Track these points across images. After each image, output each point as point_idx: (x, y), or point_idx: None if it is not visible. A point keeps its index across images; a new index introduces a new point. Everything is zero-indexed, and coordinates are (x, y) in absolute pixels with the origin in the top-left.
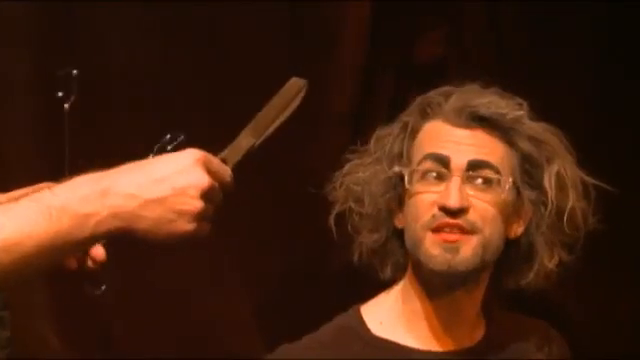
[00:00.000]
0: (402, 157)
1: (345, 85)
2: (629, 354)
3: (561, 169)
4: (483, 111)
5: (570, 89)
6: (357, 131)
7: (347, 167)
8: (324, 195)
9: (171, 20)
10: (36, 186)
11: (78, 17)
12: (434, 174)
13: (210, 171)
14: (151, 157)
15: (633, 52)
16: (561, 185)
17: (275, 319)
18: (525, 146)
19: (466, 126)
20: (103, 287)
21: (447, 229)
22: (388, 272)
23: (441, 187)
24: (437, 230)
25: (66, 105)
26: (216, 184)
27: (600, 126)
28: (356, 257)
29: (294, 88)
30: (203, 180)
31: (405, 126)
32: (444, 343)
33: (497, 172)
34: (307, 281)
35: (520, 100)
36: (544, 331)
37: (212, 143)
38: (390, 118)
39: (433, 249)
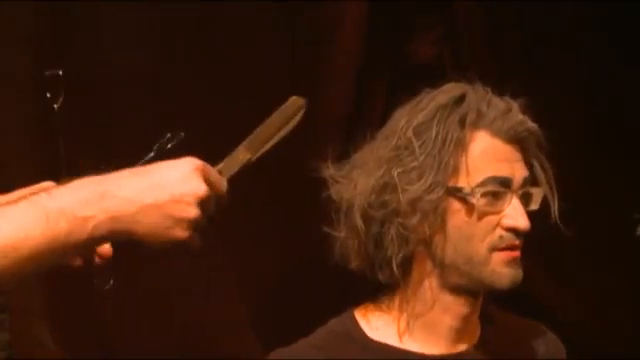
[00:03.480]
0: (455, 170)
1: (341, 85)
2: (625, 356)
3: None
4: (530, 128)
5: (565, 88)
6: (353, 131)
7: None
8: (319, 195)
9: (168, 21)
10: (36, 186)
11: (74, 17)
12: (492, 193)
13: (207, 181)
14: (151, 155)
15: (629, 51)
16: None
17: (271, 320)
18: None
19: (513, 141)
20: (111, 282)
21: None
22: (384, 276)
23: (498, 206)
24: (503, 249)
25: (55, 105)
26: (212, 194)
27: (595, 125)
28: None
29: (293, 107)
30: (200, 189)
31: (446, 137)
32: (441, 346)
33: (533, 184)
34: (303, 282)
35: (521, 100)
36: (540, 333)
37: (210, 144)
38: (385, 118)
39: (501, 268)
